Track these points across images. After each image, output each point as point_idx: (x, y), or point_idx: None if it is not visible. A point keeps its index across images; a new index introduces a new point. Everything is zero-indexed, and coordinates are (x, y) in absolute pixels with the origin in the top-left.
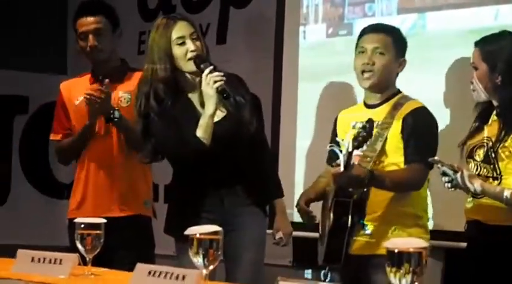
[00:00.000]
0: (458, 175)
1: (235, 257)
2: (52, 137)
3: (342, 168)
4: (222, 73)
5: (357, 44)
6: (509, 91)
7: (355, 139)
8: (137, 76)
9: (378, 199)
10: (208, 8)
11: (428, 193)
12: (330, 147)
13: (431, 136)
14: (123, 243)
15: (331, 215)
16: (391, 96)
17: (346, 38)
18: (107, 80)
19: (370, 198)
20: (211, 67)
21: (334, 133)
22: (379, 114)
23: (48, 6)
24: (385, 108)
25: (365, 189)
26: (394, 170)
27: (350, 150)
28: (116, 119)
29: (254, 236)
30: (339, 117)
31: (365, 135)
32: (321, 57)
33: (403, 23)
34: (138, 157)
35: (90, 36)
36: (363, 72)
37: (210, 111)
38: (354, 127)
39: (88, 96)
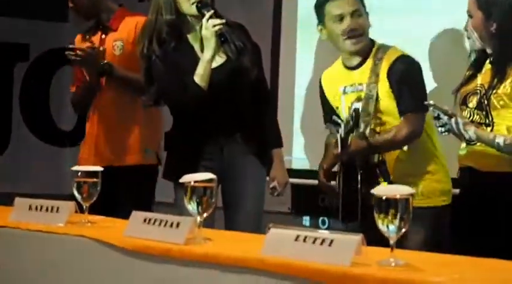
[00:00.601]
0: (453, 120)
1: (234, 206)
2: (71, 89)
3: (339, 149)
4: (223, 20)
5: (324, 13)
6: (503, 39)
7: (346, 125)
8: (135, 20)
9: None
10: None
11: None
12: (326, 126)
13: (419, 82)
14: (124, 192)
15: (341, 184)
16: (368, 51)
17: None
18: (92, 36)
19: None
20: (212, 11)
21: (324, 98)
22: (363, 75)
23: None
24: (367, 66)
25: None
26: (394, 129)
27: (343, 136)
28: (106, 70)
29: (253, 186)
30: (323, 81)
31: (352, 125)
32: None
33: None
34: (142, 101)
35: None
36: (349, 37)
37: (207, 56)
38: (344, 92)
39: (71, 56)
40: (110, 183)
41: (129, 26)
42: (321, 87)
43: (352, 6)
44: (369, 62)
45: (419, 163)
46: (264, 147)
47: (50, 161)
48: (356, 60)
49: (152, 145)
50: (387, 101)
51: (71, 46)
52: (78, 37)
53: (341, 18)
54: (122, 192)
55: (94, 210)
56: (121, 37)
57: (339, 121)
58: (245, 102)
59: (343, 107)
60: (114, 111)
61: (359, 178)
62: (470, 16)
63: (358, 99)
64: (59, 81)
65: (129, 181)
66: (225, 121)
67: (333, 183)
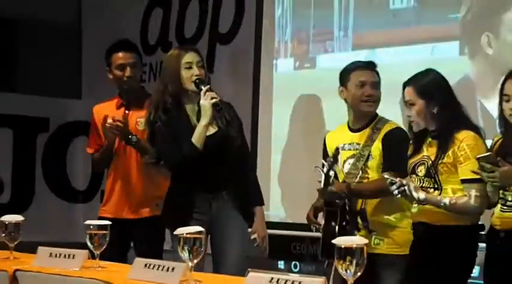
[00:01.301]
0: (406, 187)
1: (220, 252)
2: (88, 150)
3: (322, 185)
4: (217, 96)
5: (349, 78)
6: (444, 118)
7: (329, 165)
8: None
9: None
10: (199, 44)
11: None
12: (315, 167)
13: (403, 149)
14: (138, 240)
15: (323, 221)
16: (371, 120)
17: (309, 70)
18: (127, 112)
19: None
20: (208, 86)
21: (325, 153)
22: (361, 137)
23: (64, 40)
24: (366, 131)
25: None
26: (371, 180)
27: (325, 171)
28: (133, 142)
29: (237, 236)
30: (327, 138)
31: (332, 161)
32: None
33: (356, 57)
34: (144, 159)
35: (128, 68)
36: (366, 100)
37: (205, 122)
38: (342, 148)
39: (109, 125)
40: (126, 232)
41: None
42: (324, 143)
43: (373, 78)
44: (369, 129)
45: (395, 216)
46: (247, 205)
47: (66, 214)
48: (359, 125)
49: (160, 199)
50: (378, 160)
51: (111, 118)
52: (97, 107)
53: (362, 85)
54: (139, 239)
55: (108, 255)
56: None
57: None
58: (231, 165)
59: (339, 159)
60: (135, 172)
61: (338, 220)
62: (411, 104)
63: (353, 156)
64: (74, 148)
65: (145, 230)
66: (214, 181)
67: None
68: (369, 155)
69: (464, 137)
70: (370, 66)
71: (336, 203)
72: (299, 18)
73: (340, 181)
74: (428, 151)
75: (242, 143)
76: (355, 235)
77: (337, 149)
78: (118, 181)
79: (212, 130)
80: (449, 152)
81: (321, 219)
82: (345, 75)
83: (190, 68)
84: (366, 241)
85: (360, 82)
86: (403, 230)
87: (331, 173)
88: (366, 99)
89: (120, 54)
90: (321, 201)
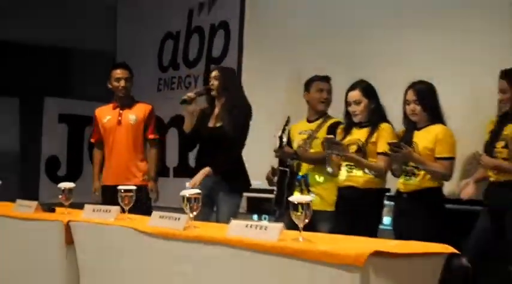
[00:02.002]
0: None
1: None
2: (91, 139)
3: (277, 144)
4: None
5: (312, 86)
6: (374, 113)
7: (282, 130)
8: (139, 105)
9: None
10: (198, 65)
11: None
12: (274, 135)
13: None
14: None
15: (276, 178)
16: (322, 115)
17: None
18: (121, 111)
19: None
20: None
21: (288, 139)
22: (313, 126)
23: (104, 63)
24: (318, 122)
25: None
26: (312, 152)
27: (279, 135)
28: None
29: (228, 199)
30: (292, 128)
31: (284, 129)
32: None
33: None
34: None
35: (123, 81)
36: (322, 102)
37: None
38: (299, 133)
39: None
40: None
41: (143, 109)
42: (289, 131)
43: (328, 87)
44: (320, 121)
45: (326, 183)
46: (238, 190)
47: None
48: (314, 118)
49: (146, 173)
50: (320, 140)
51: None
52: (98, 109)
53: (321, 91)
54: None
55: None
56: (135, 114)
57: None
58: (225, 149)
59: (297, 140)
60: (126, 152)
61: (287, 178)
62: (359, 102)
63: (307, 137)
64: None
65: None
66: (216, 157)
67: None
68: (316, 137)
69: (383, 127)
70: (326, 78)
71: (287, 164)
72: None
73: None
74: (359, 135)
75: (235, 134)
76: (299, 193)
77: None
78: (112, 155)
79: (218, 124)
80: (375, 135)
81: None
82: (309, 83)
83: None
84: (311, 198)
85: (320, 89)
86: (331, 192)
87: (284, 139)
88: (322, 101)
89: (118, 71)
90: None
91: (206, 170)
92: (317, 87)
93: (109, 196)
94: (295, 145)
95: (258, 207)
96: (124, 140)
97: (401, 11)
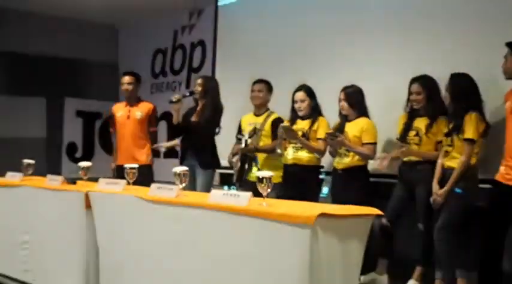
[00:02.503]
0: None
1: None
2: (111, 130)
3: (243, 145)
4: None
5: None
6: (313, 108)
7: (249, 136)
8: (144, 104)
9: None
10: (182, 73)
11: None
12: (237, 135)
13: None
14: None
15: (239, 163)
16: (265, 111)
17: None
18: (130, 108)
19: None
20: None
21: (239, 129)
22: (259, 120)
23: (109, 72)
24: (263, 116)
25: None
26: (265, 144)
27: (246, 139)
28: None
29: (206, 181)
30: (242, 120)
31: (252, 133)
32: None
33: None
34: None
35: (126, 85)
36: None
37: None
38: (248, 124)
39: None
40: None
41: (147, 107)
42: (239, 123)
43: (259, 88)
44: (265, 115)
45: (269, 159)
46: (211, 167)
47: (110, 161)
48: (259, 113)
49: (150, 156)
50: (267, 132)
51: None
52: (114, 106)
53: (253, 91)
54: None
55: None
56: (141, 110)
57: (242, 135)
58: (200, 137)
59: (246, 131)
60: (131, 140)
61: (248, 162)
62: (303, 101)
63: (253, 129)
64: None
65: (141, 173)
66: (194, 150)
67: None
68: (262, 129)
69: (321, 119)
70: (258, 81)
71: (247, 154)
72: None
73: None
74: (303, 125)
75: (207, 126)
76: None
77: (254, 130)
78: (122, 141)
79: (197, 119)
80: (315, 125)
81: (235, 161)
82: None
83: None
84: (271, 173)
85: (252, 90)
86: (274, 169)
87: (249, 141)
88: (254, 97)
89: (124, 77)
90: (234, 150)
91: (175, 142)
92: (252, 88)
93: (120, 173)
94: (246, 131)
95: (227, 180)
96: (132, 131)
97: (335, 29)
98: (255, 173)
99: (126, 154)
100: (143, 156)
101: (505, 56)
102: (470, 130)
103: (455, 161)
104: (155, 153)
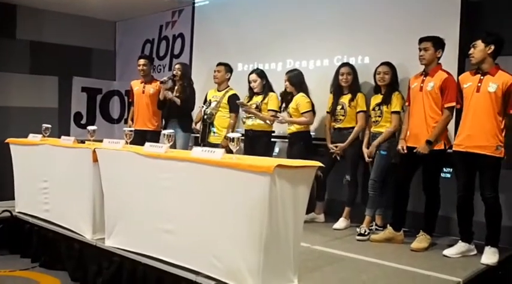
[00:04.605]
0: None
1: (177, 146)
2: (129, 100)
3: (202, 113)
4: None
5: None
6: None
7: (207, 106)
8: (155, 82)
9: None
10: (165, 59)
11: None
12: (202, 106)
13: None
14: (149, 138)
15: (201, 127)
16: (225, 88)
17: None
18: (144, 85)
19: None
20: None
21: (205, 99)
22: (220, 94)
23: (107, 56)
24: (222, 92)
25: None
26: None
27: (204, 109)
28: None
29: (184, 141)
30: (208, 93)
31: (209, 104)
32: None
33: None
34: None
35: (140, 66)
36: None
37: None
38: (212, 97)
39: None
40: (144, 136)
41: (157, 85)
42: (206, 95)
43: (218, 69)
44: (224, 91)
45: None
46: (184, 124)
47: (110, 128)
48: (220, 89)
49: (160, 123)
50: (223, 106)
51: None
52: (132, 82)
53: (214, 72)
54: (148, 138)
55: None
56: (152, 87)
57: (205, 106)
58: (181, 108)
59: (209, 102)
60: (146, 110)
61: (207, 127)
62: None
63: (215, 102)
64: (112, 101)
65: (151, 136)
66: (175, 117)
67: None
68: (221, 102)
69: (271, 94)
70: (218, 64)
71: (208, 121)
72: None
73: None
74: (257, 99)
75: (186, 102)
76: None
77: (210, 101)
78: (139, 111)
79: (176, 96)
80: (266, 99)
81: (198, 128)
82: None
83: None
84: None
85: (214, 70)
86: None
87: (208, 110)
88: (214, 77)
89: (141, 60)
90: (199, 118)
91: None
92: (214, 69)
93: (137, 136)
94: (210, 103)
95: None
96: (146, 103)
97: (287, 27)
98: (213, 136)
99: (141, 121)
100: (154, 124)
101: (472, 45)
102: (397, 105)
103: (383, 128)
104: None
